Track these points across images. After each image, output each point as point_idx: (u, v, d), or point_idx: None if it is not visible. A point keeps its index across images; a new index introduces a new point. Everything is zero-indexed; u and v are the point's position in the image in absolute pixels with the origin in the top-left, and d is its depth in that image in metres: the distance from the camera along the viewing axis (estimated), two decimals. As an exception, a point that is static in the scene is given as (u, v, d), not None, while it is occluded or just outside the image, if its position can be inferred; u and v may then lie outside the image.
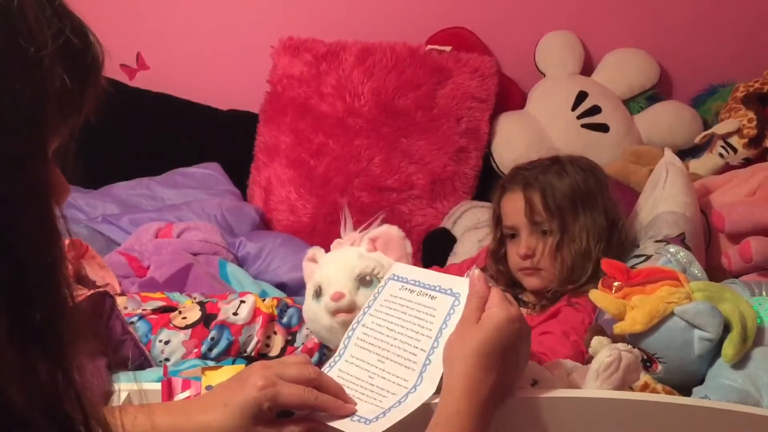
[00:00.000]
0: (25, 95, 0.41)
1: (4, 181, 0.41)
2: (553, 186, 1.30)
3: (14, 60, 0.41)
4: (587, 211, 1.29)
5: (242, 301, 1.08)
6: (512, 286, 1.34)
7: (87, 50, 0.48)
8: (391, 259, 1.00)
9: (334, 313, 0.99)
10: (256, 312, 1.07)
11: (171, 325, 1.05)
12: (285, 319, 1.09)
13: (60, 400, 0.45)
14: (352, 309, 0.98)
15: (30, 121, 0.42)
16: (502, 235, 1.36)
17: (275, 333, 1.08)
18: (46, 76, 0.43)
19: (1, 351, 0.41)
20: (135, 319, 1.04)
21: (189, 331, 1.04)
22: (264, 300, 1.12)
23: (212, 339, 1.04)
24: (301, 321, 1.08)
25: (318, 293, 1.00)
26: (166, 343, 1.03)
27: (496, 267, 1.37)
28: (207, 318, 1.06)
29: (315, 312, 0.99)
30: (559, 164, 1.34)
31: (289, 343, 1.07)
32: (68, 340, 0.46)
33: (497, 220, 1.38)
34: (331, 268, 1.02)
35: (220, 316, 1.05)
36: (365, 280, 1.00)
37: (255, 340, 1.05)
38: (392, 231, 1.01)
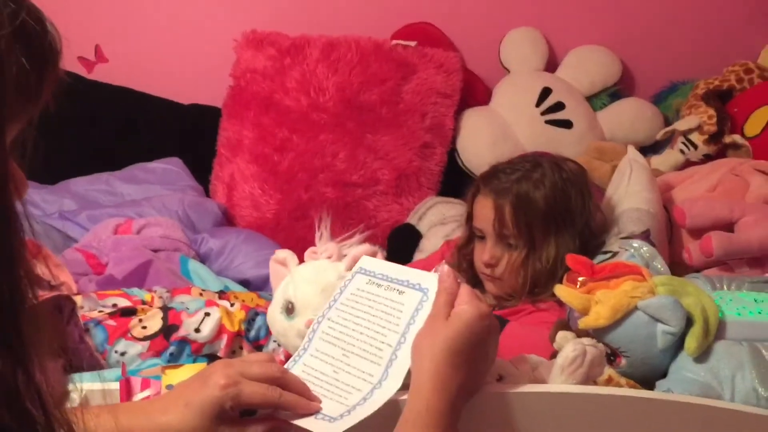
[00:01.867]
0: None
1: None
2: (526, 199, 1.24)
3: None
4: (560, 232, 1.24)
5: (207, 314, 1.04)
6: (474, 284, 1.31)
7: (44, 34, 0.46)
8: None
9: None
10: (221, 329, 1.03)
11: (129, 335, 1.01)
12: (252, 333, 1.05)
13: (21, 397, 0.44)
14: None
15: None
16: (471, 234, 1.34)
17: (241, 348, 1.04)
18: (3, 58, 0.41)
19: None
20: (91, 324, 1.00)
21: (147, 343, 1.01)
22: (232, 306, 1.07)
23: (171, 354, 1.01)
24: (268, 333, 1.06)
25: (290, 311, 0.93)
26: (123, 354, 1.00)
27: (461, 263, 1.35)
28: (168, 329, 1.02)
29: (285, 328, 0.94)
30: (541, 170, 1.27)
31: None
32: (30, 337, 0.45)
33: (468, 216, 1.35)
34: (308, 289, 0.94)
35: (182, 331, 1.01)
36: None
37: (219, 356, 1.03)
38: (376, 252, 0.94)
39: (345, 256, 0.95)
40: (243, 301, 1.22)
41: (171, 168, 1.86)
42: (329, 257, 0.95)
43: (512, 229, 1.25)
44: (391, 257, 1.64)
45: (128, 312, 1.05)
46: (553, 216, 1.24)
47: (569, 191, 1.27)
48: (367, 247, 0.96)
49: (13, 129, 0.45)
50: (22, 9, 0.44)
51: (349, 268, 0.93)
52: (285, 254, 0.97)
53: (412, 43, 1.94)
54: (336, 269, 0.94)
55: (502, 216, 1.25)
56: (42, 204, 1.68)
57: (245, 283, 1.46)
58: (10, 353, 0.43)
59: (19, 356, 0.44)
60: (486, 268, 1.29)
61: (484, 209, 1.28)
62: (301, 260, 0.97)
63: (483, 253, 1.29)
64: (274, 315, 0.95)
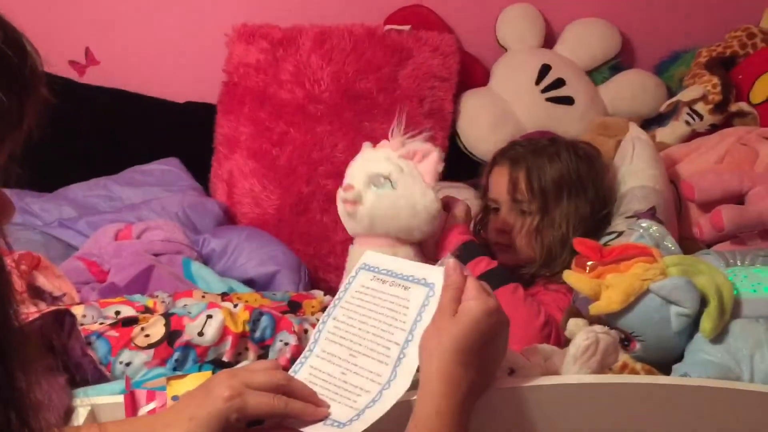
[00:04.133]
0: None
1: None
2: (541, 168, 1.29)
3: None
4: (572, 199, 1.28)
5: (209, 316, 1.02)
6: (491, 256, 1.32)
7: (24, 63, 0.45)
8: (418, 171, 1.15)
9: (343, 201, 1.17)
10: (225, 332, 1.01)
11: (132, 344, 0.99)
12: (258, 333, 1.03)
13: (6, 421, 0.43)
14: (356, 201, 1.16)
15: None
16: (487, 206, 1.38)
17: (246, 349, 1.03)
18: None
19: None
20: (93, 337, 0.98)
21: (152, 351, 0.99)
22: (235, 307, 1.06)
23: (177, 361, 0.99)
24: (274, 333, 1.04)
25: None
26: (128, 364, 0.98)
27: (478, 235, 1.37)
28: (171, 335, 1.00)
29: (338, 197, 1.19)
30: (555, 147, 1.33)
31: (261, 357, 1.02)
32: (15, 359, 0.44)
33: (484, 191, 1.40)
34: (357, 162, 1.19)
35: (185, 336, 1.00)
36: (378, 181, 1.15)
37: (224, 359, 1.01)
38: (433, 151, 1.17)
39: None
40: (246, 301, 1.20)
41: (169, 168, 1.84)
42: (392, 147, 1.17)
43: (526, 194, 1.29)
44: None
45: (130, 321, 1.03)
46: (566, 183, 1.29)
47: (582, 166, 1.31)
48: (428, 145, 1.18)
49: None
50: (2, 40, 0.43)
51: (401, 155, 1.16)
52: (365, 145, 1.22)
53: (406, 28, 1.91)
54: (386, 152, 1.17)
55: (517, 181, 1.30)
56: (41, 213, 1.66)
57: (250, 283, 1.44)
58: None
59: (5, 380, 0.44)
60: (499, 235, 1.31)
61: (500, 177, 1.34)
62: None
63: (496, 222, 1.32)
64: None
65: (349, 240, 1.77)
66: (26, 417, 0.45)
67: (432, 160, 1.16)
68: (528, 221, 1.29)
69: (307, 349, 0.88)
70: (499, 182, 1.34)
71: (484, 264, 1.18)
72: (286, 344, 1.04)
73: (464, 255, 1.16)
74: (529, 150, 1.34)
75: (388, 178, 1.15)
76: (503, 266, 1.22)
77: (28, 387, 0.45)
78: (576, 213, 1.27)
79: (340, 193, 1.18)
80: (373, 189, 1.15)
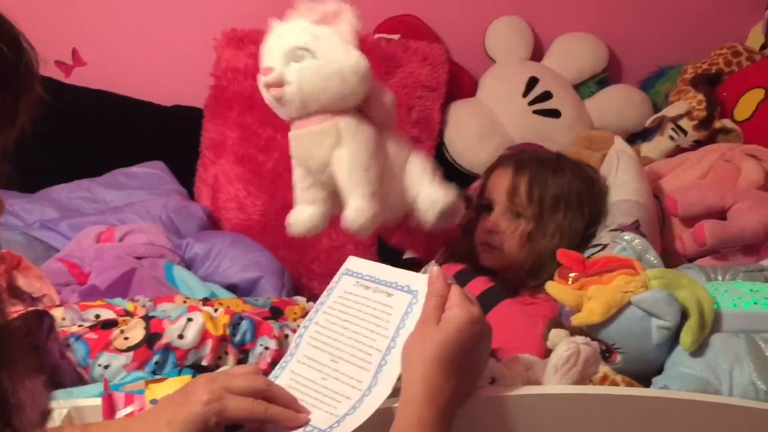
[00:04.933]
0: None
1: None
2: (544, 179, 1.30)
3: None
4: (567, 213, 1.28)
5: (189, 319, 1.01)
6: (469, 259, 1.33)
7: (19, 60, 0.46)
8: (336, 34, 1.08)
9: (266, 86, 1.08)
10: (205, 335, 1.00)
11: (111, 347, 0.98)
12: (238, 337, 1.03)
13: None
14: (280, 83, 1.07)
15: None
16: (479, 206, 1.37)
17: (226, 353, 1.02)
18: None
19: None
20: (72, 339, 0.97)
21: (131, 353, 0.98)
22: (216, 311, 1.05)
23: (156, 363, 0.98)
24: (254, 337, 1.04)
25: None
26: (106, 367, 0.97)
27: (464, 236, 1.37)
28: (150, 338, 0.99)
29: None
30: (560, 163, 1.34)
31: (241, 362, 1.02)
32: (0, 357, 0.44)
33: (481, 189, 1.39)
34: (269, 41, 1.10)
35: (164, 339, 0.99)
36: (296, 55, 1.06)
37: (204, 363, 1.00)
38: (344, 8, 1.09)
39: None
40: (228, 306, 1.19)
41: (154, 172, 1.82)
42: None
43: (524, 200, 1.29)
44: (381, 255, 1.64)
45: (109, 324, 1.02)
46: (564, 199, 1.29)
47: (583, 187, 1.32)
48: (339, 4, 1.09)
49: None
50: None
51: (315, 21, 1.09)
52: (273, 22, 1.13)
53: (396, 37, 1.91)
54: (300, 23, 1.09)
55: (518, 186, 1.30)
56: (22, 214, 1.64)
57: (232, 288, 1.43)
58: None
59: None
60: (488, 235, 1.30)
61: (501, 178, 1.33)
62: None
63: (486, 222, 1.31)
64: None
65: (333, 248, 1.77)
66: (9, 416, 0.44)
67: (347, 18, 1.08)
68: (522, 225, 1.29)
69: (288, 353, 0.87)
70: (499, 183, 1.33)
71: (480, 287, 1.19)
72: (267, 348, 1.04)
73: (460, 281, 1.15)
74: (535, 159, 1.35)
75: (306, 48, 1.06)
76: (497, 285, 1.22)
77: (13, 386, 0.44)
78: (570, 227, 1.27)
79: (260, 79, 1.09)
80: (293, 65, 1.06)
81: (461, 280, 1.20)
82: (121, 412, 0.86)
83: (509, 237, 1.29)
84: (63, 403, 0.85)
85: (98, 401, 0.86)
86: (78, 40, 2.03)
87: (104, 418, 0.85)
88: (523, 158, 1.35)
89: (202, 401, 0.72)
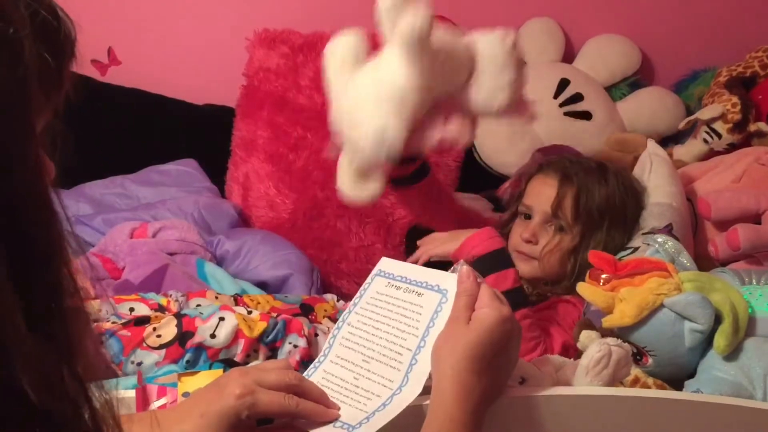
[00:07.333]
0: (9, 76, 0.41)
1: None
2: (590, 190, 1.26)
3: None
4: (611, 228, 1.25)
5: (222, 318, 1.02)
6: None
7: (60, 26, 0.49)
8: None
9: None
10: (238, 334, 1.01)
11: (144, 344, 1.00)
12: (269, 338, 1.04)
13: (67, 393, 0.44)
14: None
15: (15, 101, 0.42)
16: (516, 212, 1.33)
17: (256, 351, 1.03)
18: (26, 56, 0.43)
19: (22, 340, 0.40)
20: (106, 336, 0.99)
21: (163, 351, 0.99)
22: (250, 313, 1.06)
23: (188, 362, 0.99)
24: (284, 335, 1.04)
25: None
26: (139, 364, 0.98)
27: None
28: (183, 336, 1.00)
29: None
30: (603, 171, 1.30)
31: (270, 359, 1.03)
32: (73, 333, 0.45)
33: (519, 195, 1.34)
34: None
35: (197, 338, 1.00)
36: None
37: (235, 359, 1.02)
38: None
39: None
40: (258, 303, 1.20)
41: (186, 169, 1.85)
42: None
43: (569, 214, 1.25)
44: (409, 254, 1.64)
45: (142, 321, 1.04)
46: (610, 211, 1.26)
47: (627, 194, 1.29)
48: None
49: (41, 121, 0.47)
50: (41, 7, 0.46)
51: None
52: None
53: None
54: None
55: (564, 199, 1.26)
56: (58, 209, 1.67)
57: (262, 285, 1.44)
58: (57, 350, 0.43)
59: (63, 351, 0.44)
60: (523, 245, 1.27)
61: (545, 187, 1.29)
62: None
63: (524, 230, 1.27)
64: None
65: (362, 247, 1.78)
66: (74, 363, 0.44)
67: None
68: (566, 240, 1.25)
69: (321, 354, 0.88)
70: (542, 192, 1.28)
71: (510, 281, 1.14)
72: (295, 346, 1.05)
73: (492, 264, 1.12)
74: (580, 168, 1.29)
75: None
76: (522, 287, 1.19)
77: (81, 345, 0.45)
78: (612, 242, 1.23)
79: None
80: None
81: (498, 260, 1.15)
82: (154, 404, 0.87)
83: (549, 251, 1.25)
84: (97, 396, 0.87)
85: (132, 393, 0.87)
86: (114, 40, 2.06)
87: (137, 409, 0.86)
88: (567, 167, 1.30)
89: (235, 394, 0.73)
